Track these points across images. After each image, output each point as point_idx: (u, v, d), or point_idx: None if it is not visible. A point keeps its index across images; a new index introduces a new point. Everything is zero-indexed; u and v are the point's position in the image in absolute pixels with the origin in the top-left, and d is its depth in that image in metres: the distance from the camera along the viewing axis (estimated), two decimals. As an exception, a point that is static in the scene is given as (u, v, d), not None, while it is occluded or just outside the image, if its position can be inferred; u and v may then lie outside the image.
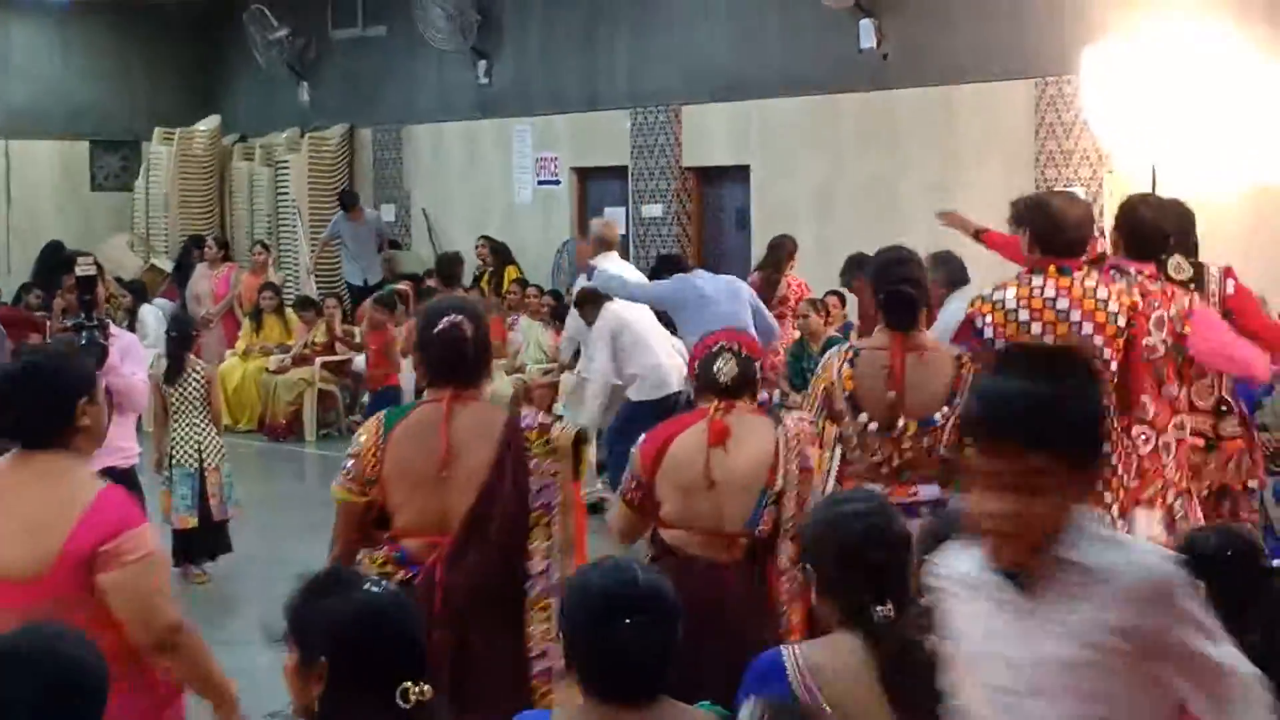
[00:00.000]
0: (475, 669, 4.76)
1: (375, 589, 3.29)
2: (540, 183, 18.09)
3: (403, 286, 16.25)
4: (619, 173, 17.21)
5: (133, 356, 8.15)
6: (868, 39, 14.64)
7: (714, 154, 16.34)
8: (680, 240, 16.42)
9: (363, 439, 4.99)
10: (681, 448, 5.34)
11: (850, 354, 5.90)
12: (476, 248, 17.52)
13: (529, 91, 18.12)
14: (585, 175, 17.88)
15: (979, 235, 8.32)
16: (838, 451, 5.71)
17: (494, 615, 4.84)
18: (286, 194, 20.14)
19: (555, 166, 17.94)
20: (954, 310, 9.74)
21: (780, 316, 12.47)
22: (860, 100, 14.85)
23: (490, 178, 18.62)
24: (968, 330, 6.01)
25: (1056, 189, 13.04)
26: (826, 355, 6.00)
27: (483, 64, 18.50)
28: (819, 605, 3.75)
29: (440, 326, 5.01)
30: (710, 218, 16.75)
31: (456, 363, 5.01)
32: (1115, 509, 5.87)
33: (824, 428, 5.77)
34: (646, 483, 5.37)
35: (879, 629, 3.53)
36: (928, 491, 5.76)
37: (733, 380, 5.37)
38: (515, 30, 18.25)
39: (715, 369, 5.37)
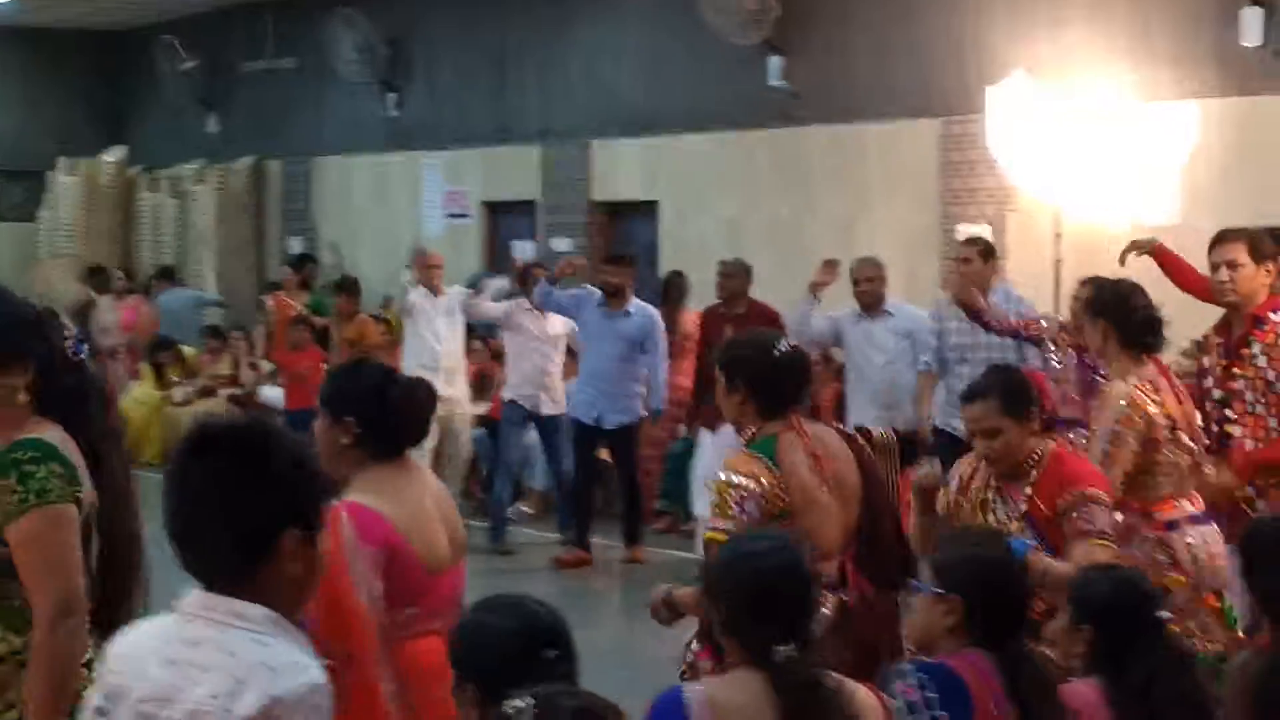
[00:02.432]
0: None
1: None
2: (450, 216, 18.08)
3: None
4: (528, 207, 17.23)
5: None
6: (776, 76, 14.74)
7: (623, 189, 16.39)
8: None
9: (759, 480, 4.92)
10: None
11: (1149, 385, 6.08)
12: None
13: (439, 125, 18.11)
14: (495, 209, 17.89)
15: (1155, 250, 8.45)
16: None
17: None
18: (194, 226, 20.02)
19: (465, 200, 17.94)
20: (910, 307, 10.98)
21: (682, 351, 12.59)
22: (768, 137, 14.94)
23: (400, 211, 18.58)
24: None
25: (960, 226, 13.22)
26: (1126, 395, 6.06)
27: (392, 97, 18.48)
28: (723, 642, 3.77)
29: (782, 351, 5.13)
30: (618, 253, 16.75)
31: (803, 387, 5.17)
32: None
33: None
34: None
35: (782, 668, 3.55)
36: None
37: None
38: (425, 63, 18.24)
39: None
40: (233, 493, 2.76)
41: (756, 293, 12.34)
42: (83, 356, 4.25)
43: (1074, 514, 5.37)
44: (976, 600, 4.06)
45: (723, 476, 5.01)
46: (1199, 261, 7.56)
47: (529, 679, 3.25)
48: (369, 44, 18.08)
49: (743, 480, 4.91)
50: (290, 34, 19.55)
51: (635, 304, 12.05)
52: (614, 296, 12.00)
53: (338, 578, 4.23)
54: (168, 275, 19.06)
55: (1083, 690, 4.26)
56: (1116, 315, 6.24)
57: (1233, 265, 6.87)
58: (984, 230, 13.08)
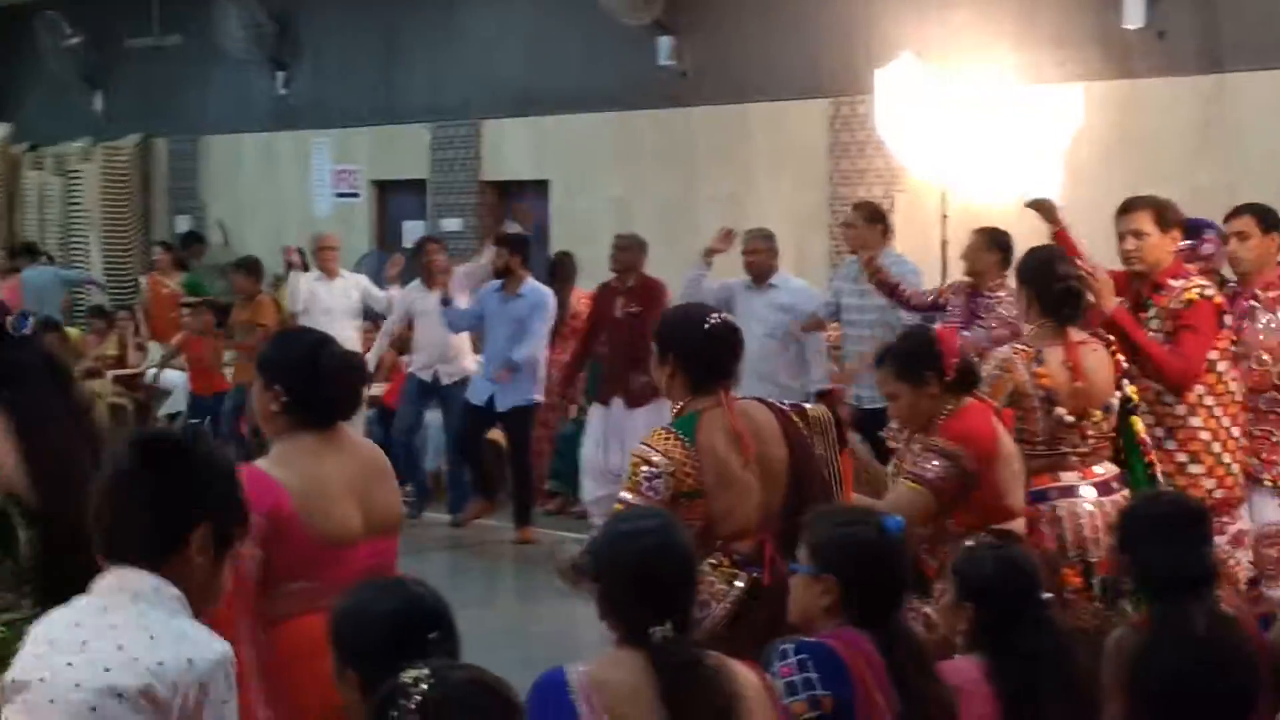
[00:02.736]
0: None
1: None
2: (339, 195, 17.97)
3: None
4: (418, 186, 17.15)
5: None
6: (666, 56, 14.76)
7: (513, 168, 16.36)
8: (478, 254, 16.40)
9: (670, 456, 4.87)
10: (1005, 439, 5.63)
11: (1033, 354, 6.08)
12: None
13: (327, 103, 17.98)
14: (384, 188, 17.80)
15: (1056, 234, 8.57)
16: None
17: None
18: (79, 204, 19.78)
19: (354, 179, 17.83)
20: (798, 280, 11.04)
21: (571, 332, 12.59)
22: (658, 117, 14.96)
23: (288, 190, 18.44)
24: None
25: (848, 206, 13.30)
26: (1002, 359, 6.13)
27: (280, 75, 18.33)
28: (605, 622, 3.78)
29: (711, 323, 5.06)
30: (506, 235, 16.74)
31: (733, 360, 5.06)
32: None
33: None
34: (974, 476, 5.51)
35: (660, 647, 3.56)
36: (1110, 469, 6.16)
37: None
38: (313, 41, 18.11)
39: (977, 364, 5.79)
40: (163, 485, 3.15)
41: (645, 270, 12.35)
42: (25, 332, 4.17)
43: (907, 455, 5.56)
44: (851, 580, 4.06)
45: (639, 451, 4.99)
46: (1082, 234, 7.62)
47: (410, 662, 3.25)
48: (256, 21, 17.91)
49: (655, 457, 4.88)
50: (177, 11, 19.31)
51: (529, 285, 12.01)
52: (505, 278, 11.98)
53: None
54: (30, 252, 18.75)
55: (964, 667, 4.29)
56: (1038, 283, 6.24)
57: (1138, 234, 6.93)
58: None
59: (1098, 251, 12.48)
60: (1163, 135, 11.83)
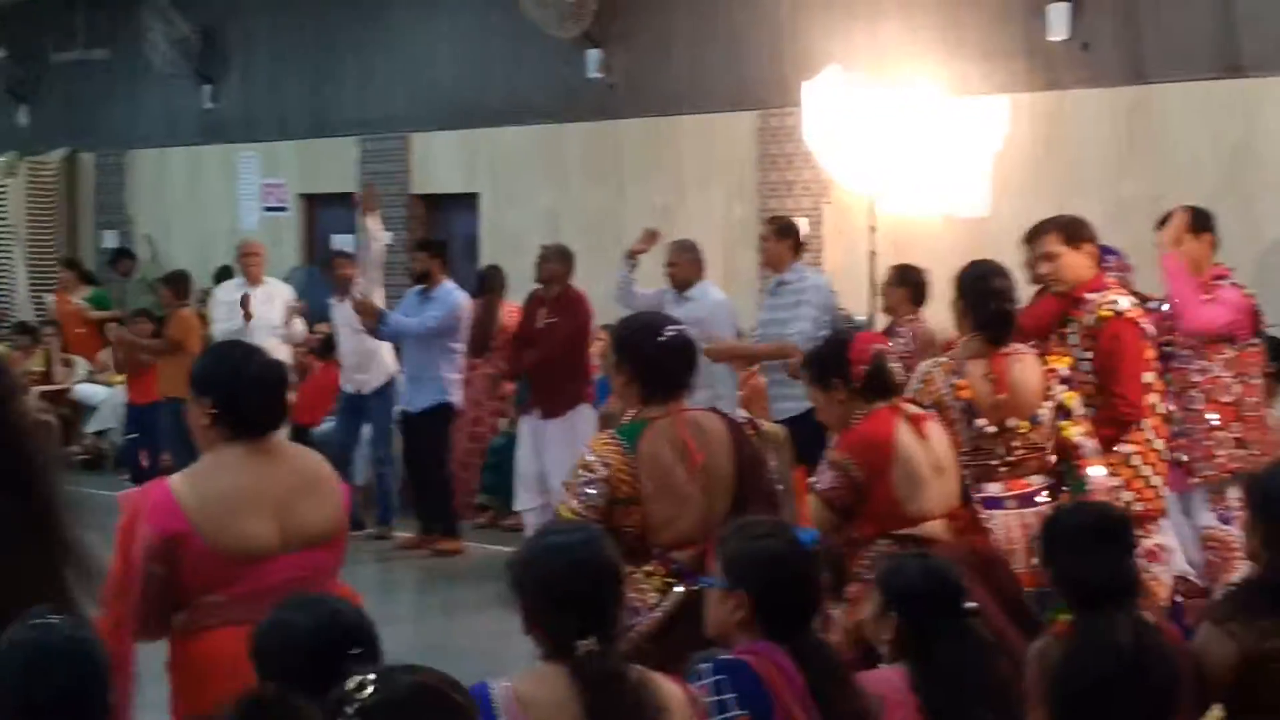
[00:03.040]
0: None
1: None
2: (267, 209, 17.88)
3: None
4: (347, 200, 17.06)
5: None
6: (595, 69, 14.77)
7: (443, 181, 16.33)
8: (409, 268, 16.35)
9: (608, 463, 4.93)
10: (906, 447, 5.59)
11: (954, 366, 6.17)
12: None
13: (255, 117, 17.90)
14: (314, 202, 17.73)
15: None
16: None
17: None
18: (4, 219, 19.61)
19: (282, 193, 17.76)
20: (716, 293, 10.97)
21: (502, 344, 12.56)
22: (587, 129, 14.97)
23: (216, 204, 18.34)
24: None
25: (775, 218, 13.34)
26: (925, 371, 6.21)
27: (207, 88, 18.24)
28: (530, 635, 3.76)
29: (667, 337, 5.12)
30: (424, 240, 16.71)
31: (686, 372, 5.12)
32: None
33: None
34: (864, 484, 5.54)
35: (584, 661, 3.55)
36: (1038, 480, 6.19)
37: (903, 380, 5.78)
38: (240, 55, 18.03)
39: (894, 371, 5.70)
40: None
41: (573, 281, 12.31)
42: None
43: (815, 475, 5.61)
44: (763, 594, 4.05)
45: (581, 456, 5.07)
46: (1008, 246, 7.63)
47: (331, 678, 3.23)
48: (182, 35, 17.81)
49: (594, 461, 4.96)
50: (102, 25, 19.20)
51: (443, 288, 12.00)
52: (422, 282, 11.99)
53: (125, 548, 4.42)
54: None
55: (889, 676, 4.29)
56: (971, 299, 6.27)
57: (1049, 257, 6.98)
58: (801, 223, 13.23)
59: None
60: (1088, 146, 11.92)
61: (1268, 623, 4.33)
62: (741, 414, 5.52)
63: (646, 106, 14.49)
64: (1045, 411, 6.19)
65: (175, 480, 4.50)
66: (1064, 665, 4.27)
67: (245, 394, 4.56)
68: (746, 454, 5.15)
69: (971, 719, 4.21)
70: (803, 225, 13.20)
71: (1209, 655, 4.37)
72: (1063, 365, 6.48)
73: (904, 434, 5.66)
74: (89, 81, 19.47)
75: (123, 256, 18.25)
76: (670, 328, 5.20)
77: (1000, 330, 6.19)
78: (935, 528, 5.59)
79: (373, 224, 12.01)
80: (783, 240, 10.55)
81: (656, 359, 5.11)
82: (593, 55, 14.75)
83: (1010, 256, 12.57)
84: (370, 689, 2.79)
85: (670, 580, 4.94)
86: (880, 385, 5.68)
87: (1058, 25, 11.91)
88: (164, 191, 19.00)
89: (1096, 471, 6.21)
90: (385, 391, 12.46)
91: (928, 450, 5.67)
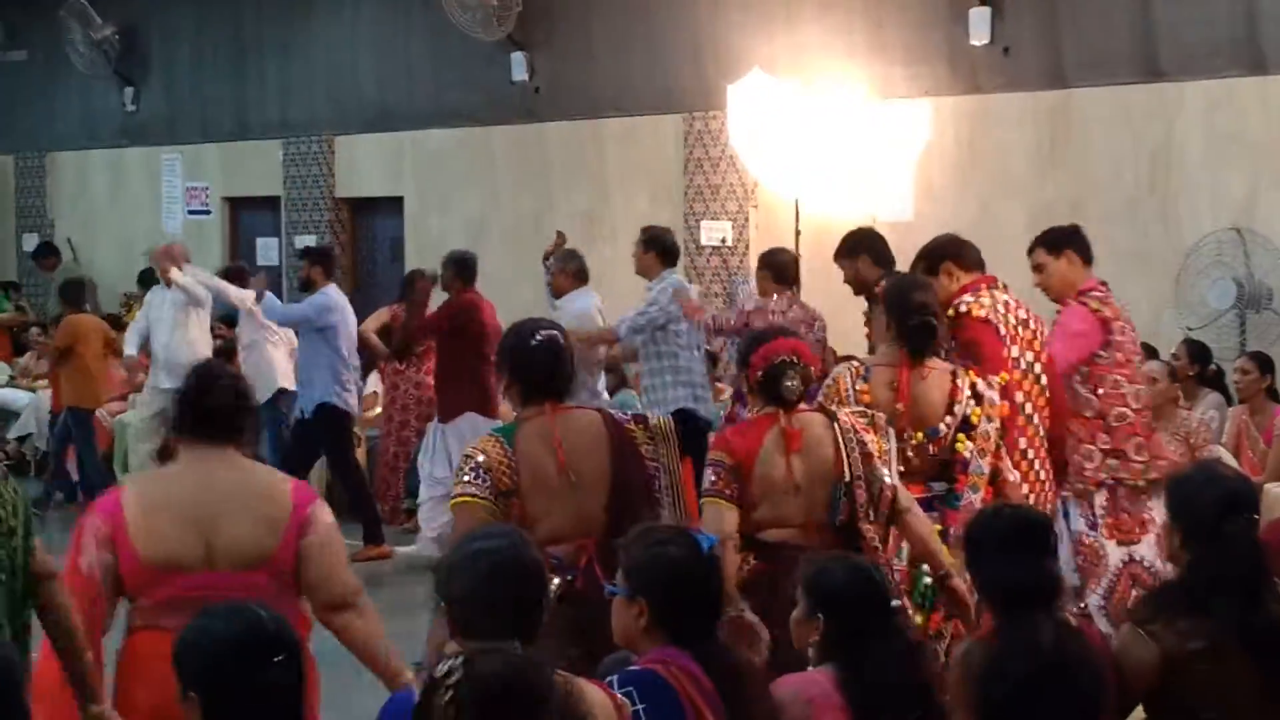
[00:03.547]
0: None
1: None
2: (190, 212, 17.77)
3: None
4: (271, 203, 17.01)
5: None
6: (519, 72, 14.75)
7: (367, 185, 16.28)
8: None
9: (487, 454, 5.16)
10: (768, 455, 5.60)
11: (861, 371, 6.30)
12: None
13: (177, 119, 17.79)
14: (237, 205, 17.63)
15: None
16: (892, 435, 5.97)
17: None
18: (-78, 221, 19.43)
19: (206, 196, 17.65)
20: (582, 303, 10.95)
21: (428, 351, 12.54)
22: (512, 133, 14.96)
23: (138, 207, 18.21)
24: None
25: (704, 222, 13.39)
26: (835, 372, 6.36)
27: (129, 90, 18.10)
28: (455, 639, 3.75)
29: (539, 340, 5.33)
30: (364, 249, 16.68)
31: (557, 374, 5.31)
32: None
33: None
34: (743, 486, 5.58)
35: None
36: (932, 488, 6.26)
37: (800, 395, 5.68)
38: (161, 56, 17.90)
39: (786, 387, 5.61)
40: None
41: (498, 288, 12.28)
42: None
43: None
44: (663, 600, 4.06)
45: (466, 450, 5.31)
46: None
47: (252, 687, 3.25)
48: (102, 36, 17.67)
49: (475, 451, 5.21)
50: (21, 25, 19.04)
51: (323, 292, 12.03)
52: (306, 290, 12.03)
53: (78, 537, 4.70)
54: None
55: (816, 679, 4.30)
56: (895, 311, 6.33)
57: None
58: (725, 227, 13.29)
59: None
60: (1010, 150, 12.01)
61: (1187, 623, 4.37)
62: (630, 410, 5.54)
63: (571, 110, 14.49)
64: (944, 426, 6.25)
65: (130, 481, 4.87)
66: (986, 668, 4.30)
67: (195, 400, 4.77)
68: (623, 452, 5.30)
69: (899, 714, 4.24)
70: (726, 230, 13.28)
71: (1130, 657, 4.40)
72: (1000, 378, 6.58)
73: (770, 443, 5.61)
74: (7, 83, 19.30)
75: (48, 254, 18.03)
76: (543, 331, 5.38)
77: (920, 343, 6.25)
78: (782, 534, 5.59)
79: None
80: (649, 251, 10.62)
81: (527, 362, 5.33)
82: (517, 58, 14.74)
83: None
84: (457, 675, 3.01)
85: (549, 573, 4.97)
86: (769, 392, 5.67)
87: (979, 30, 11.99)
88: (86, 194, 18.85)
89: (971, 493, 6.26)
90: (271, 403, 12.46)
91: (789, 465, 5.61)
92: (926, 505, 6.12)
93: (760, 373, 5.65)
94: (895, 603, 4.51)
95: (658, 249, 10.61)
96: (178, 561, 4.60)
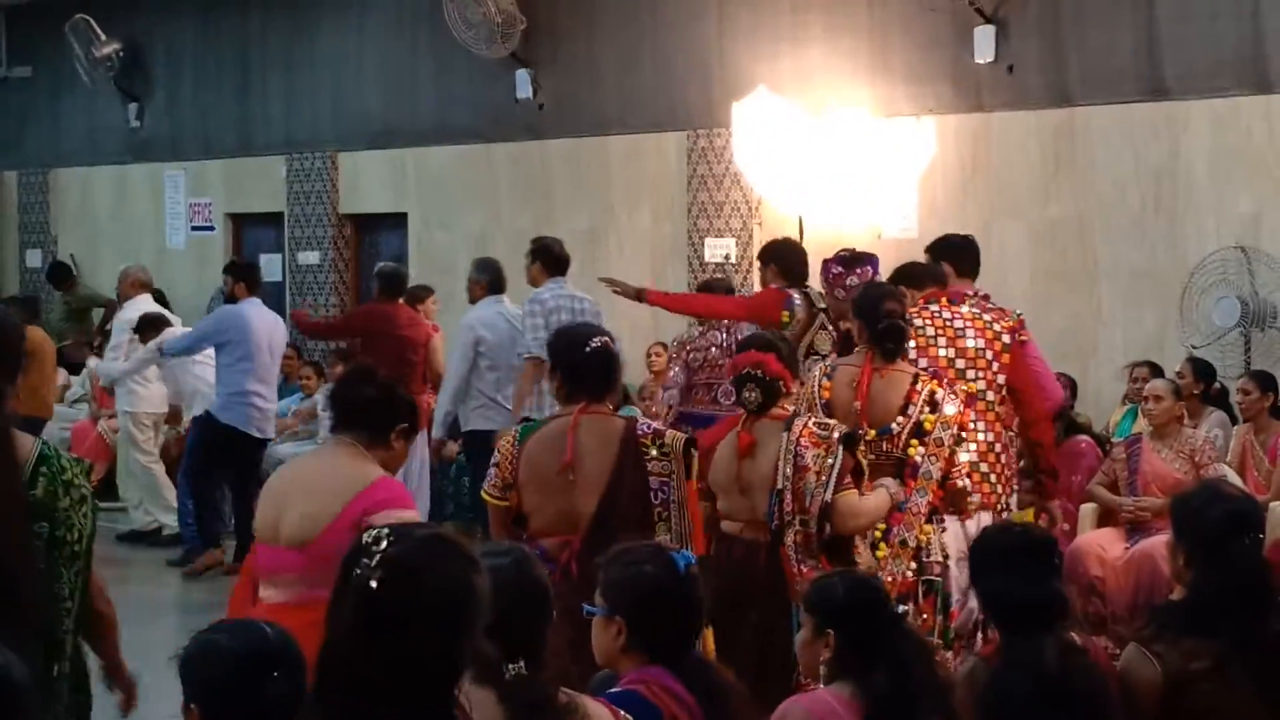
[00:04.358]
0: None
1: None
2: (194, 229, 17.77)
3: None
4: (275, 219, 17.00)
5: None
6: (524, 89, 14.75)
7: (371, 201, 16.27)
8: (337, 287, 16.32)
9: (500, 450, 5.74)
10: (721, 455, 6.20)
11: (829, 369, 6.80)
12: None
13: (181, 136, 17.79)
14: (240, 221, 17.63)
15: (641, 296, 9.36)
16: (841, 453, 6.18)
17: None
18: (-74, 237, 19.43)
19: (209, 212, 17.65)
20: (490, 312, 11.22)
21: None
22: (516, 150, 14.95)
23: (141, 223, 18.21)
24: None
25: (708, 239, 13.39)
26: (808, 372, 6.86)
27: (133, 107, 18.10)
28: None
29: (592, 347, 5.76)
30: (367, 265, 16.62)
31: (601, 378, 5.76)
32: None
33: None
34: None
35: (511, 685, 3.53)
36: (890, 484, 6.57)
37: (759, 405, 6.14)
38: (166, 73, 17.90)
39: (745, 398, 6.15)
40: None
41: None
42: None
43: None
44: (640, 619, 4.05)
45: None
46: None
47: (253, 701, 3.27)
48: (107, 53, 17.68)
49: (495, 451, 5.80)
50: (25, 42, 19.04)
51: (224, 308, 12.21)
52: (231, 304, 12.34)
53: None
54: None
55: (824, 699, 4.26)
56: (865, 317, 6.73)
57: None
58: (729, 244, 13.28)
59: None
60: (1014, 168, 12.00)
61: (1191, 644, 4.36)
62: (652, 426, 5.96)
63: (575, 127, 14.49)
64: (896, 425, 6.58)
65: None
66: (990, 687, 4.29)
67: (331, 400, 5.42)
68: (627, 460, 5.65)
69: None
70: (730, 247, 13.27)
71: (1134, 677, 4.39)
72: (966, 388, 7.09)
73: (727, 443, 6.21)
74: (12, 99, 19.31)
75: (65, 274, 17.91)
76: (596, 339, 5.82)
77: (889, 343, 6.65)
78: (732, 527, 6.13)
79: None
80: (535, 261, 10.73)
81: (578, 365, 5.77)
82: (521, 75, 14.74)
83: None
84: (386, 540, 2.93)
85: None
86: (739, 397, 6.23)
87: (984, 48, 11.98)
88: (89, 211, 18.84)
89: (919, 496, 6.56)
90: (195, 420, 12.62)
91: (742, 467, 6.14)
92: None
93: (729, 382, 6.30)
94: (901, 609, 4.50)
95: (543, 258, 10.77)
96: (259, 534, 5.17)
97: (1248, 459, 9.75)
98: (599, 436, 5.66)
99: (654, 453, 5.67)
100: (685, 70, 13.74)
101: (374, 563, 2.89)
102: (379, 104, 15.94)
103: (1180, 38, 11.26)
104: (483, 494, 5.82)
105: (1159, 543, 7.79)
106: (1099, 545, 8.96)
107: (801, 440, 5.99)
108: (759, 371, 6.13)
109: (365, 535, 2.96)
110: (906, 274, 7.71)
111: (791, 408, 6.30)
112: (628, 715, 3.83)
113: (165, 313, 13.33)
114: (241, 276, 12.33)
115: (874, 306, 6.72)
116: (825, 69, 12.75)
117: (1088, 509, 9.41)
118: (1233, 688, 4.32)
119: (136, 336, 12.76)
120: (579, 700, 3.64)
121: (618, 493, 5.60)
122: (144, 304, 13.11)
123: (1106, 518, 9.31)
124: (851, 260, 8.14)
